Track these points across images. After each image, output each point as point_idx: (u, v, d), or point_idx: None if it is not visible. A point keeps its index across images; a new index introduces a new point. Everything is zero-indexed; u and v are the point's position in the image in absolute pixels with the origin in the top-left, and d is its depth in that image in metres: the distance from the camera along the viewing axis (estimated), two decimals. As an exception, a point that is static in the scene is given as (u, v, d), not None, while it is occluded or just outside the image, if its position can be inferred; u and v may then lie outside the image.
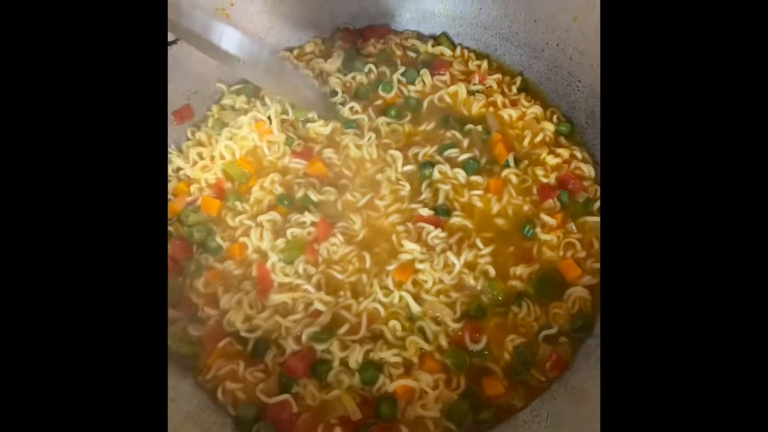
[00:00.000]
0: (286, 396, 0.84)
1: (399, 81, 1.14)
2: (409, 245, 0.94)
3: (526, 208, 0.99)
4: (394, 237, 0.96)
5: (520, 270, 0.93)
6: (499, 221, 0.98)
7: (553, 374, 0.87)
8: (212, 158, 1.06)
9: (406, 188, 1.01)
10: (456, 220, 0.98)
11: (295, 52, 1.22)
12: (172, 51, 1.08)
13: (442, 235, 0.96)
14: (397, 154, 1.05)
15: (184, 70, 1.12)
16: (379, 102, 1.13)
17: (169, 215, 1.01)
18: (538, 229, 0.96)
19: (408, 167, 1.04)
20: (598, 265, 0.95)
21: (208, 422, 0.84)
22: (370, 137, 1.07)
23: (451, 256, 0.93)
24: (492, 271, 0.93)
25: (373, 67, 1.16)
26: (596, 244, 0.96)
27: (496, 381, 0.86)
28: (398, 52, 1.19)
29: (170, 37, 1.06)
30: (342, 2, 1.24)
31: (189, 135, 1.11)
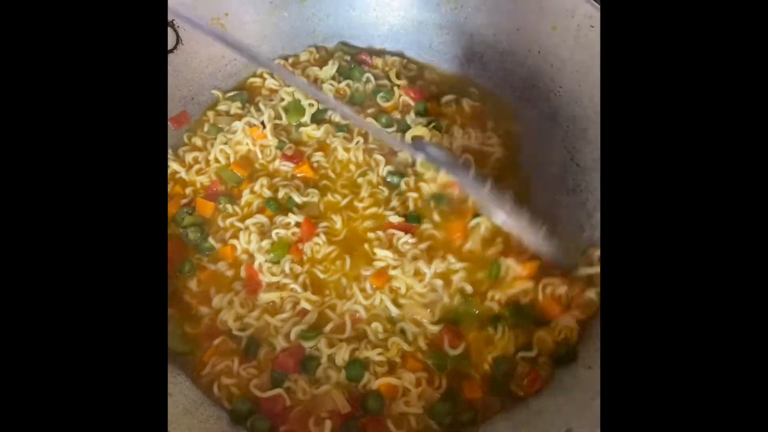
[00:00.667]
0: (278, 390, 0.88)
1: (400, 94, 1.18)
2: (381, 253, 0.97)
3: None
4: (366, 245, 1.00)
5: (498, 295, 0.94)
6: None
7: (532, 389, 0.87)
8: (207, 162, 1.10)
9: (384, 192, 1.05)
10: (426, 227, 1.01)
11: (290, 60, 1.26)
12: (168, 58, 1.12)
13: (412, 240, 0.99)
14: (380, 158, 1.09)
15: (180, 78, 1.16)
16: (372, 110, 1.17)
17: (164, 216, 1.05)
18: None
19: (390, 168, 1.08)
20: (584, 298, 0.92)
21: (204, 415, 0.87)
22: (358, 141, 1.11)
23: (423, 265, 0.95)
24: (469, 288, 0.94)
25: (371, 76, 1.19)
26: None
27: (475, 385, 0.88)
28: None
29: (168, 45, 1.10)
30: (332, 12, 1.28)
31: (186, 140, 1.14)
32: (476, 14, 1.21)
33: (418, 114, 1.16)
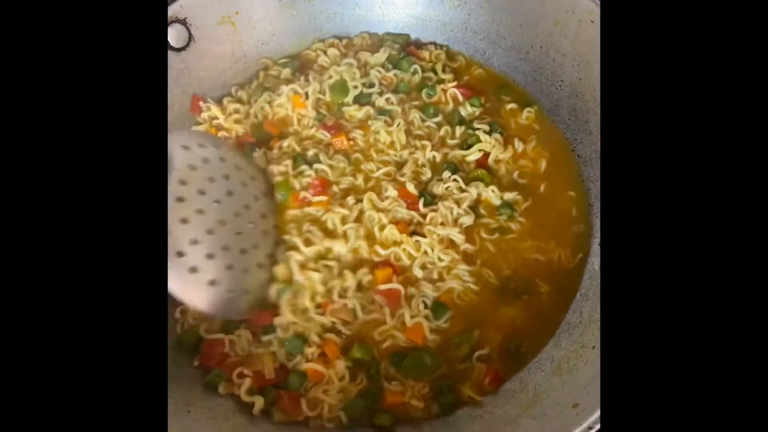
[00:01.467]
0: (223, 336, 0.92)
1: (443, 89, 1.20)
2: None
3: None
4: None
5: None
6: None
7: (492, 388, 0.90)
8: (247, 114, 1.15)
9: (427, 174, 1.08)
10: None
11: (344, 42, 1.30)
12: (180, 56, 1.14)
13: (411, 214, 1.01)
14: (428, 143, 1.11)
15: (193, 75, 1.18)
16: (417, 102, 1.19)
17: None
18: None
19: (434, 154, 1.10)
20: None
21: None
22: (399, 123, 1.13)
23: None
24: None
25: (418, 68, 1.22)
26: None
27: (395, 392, 0.89)
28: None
29: (181, 43, 1.13)
30: (338, 10, 1.31)
31: (233, 92, 1.20)
32: (479, 11, 1.24)
33: (473, 106, 1.18)
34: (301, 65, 1.25)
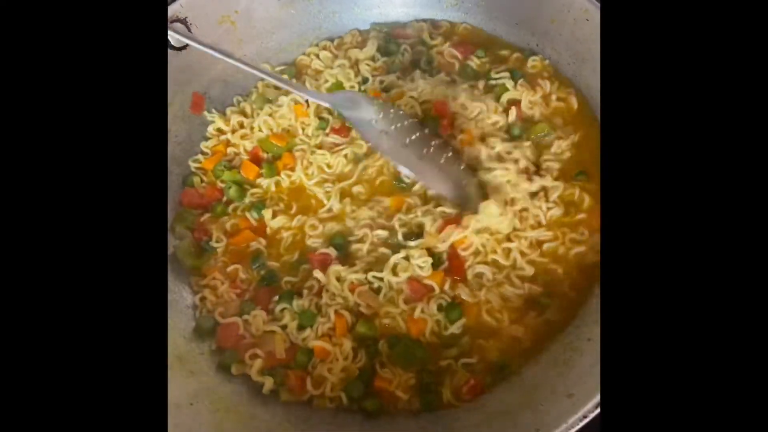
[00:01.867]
0: (236, 318, 0.96)
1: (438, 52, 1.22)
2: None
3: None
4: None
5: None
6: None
7: (469, 397, 0.89)
8: (252, 128, 1.17)
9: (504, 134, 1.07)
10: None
11: (335, 42, 1.31)
12: (180, 56, 1.15)
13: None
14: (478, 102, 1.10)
15: (193, 73, 1.19)
16: (417, 75, 1.19)
17: (204, 168, 1.16)
18: None
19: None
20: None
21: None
22: (419, 86, 1.14)
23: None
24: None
25: (407, 47, 1.24)
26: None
27: (384, 378, 0.90)
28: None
29: (181, 42, 1.14)
30: (337, 9, 1.32)
31: (234, 102, 1.22)
32: (476, 9, 1.26)
33: (479, 57, 1.19)
34: (297, 72, 1.27)
